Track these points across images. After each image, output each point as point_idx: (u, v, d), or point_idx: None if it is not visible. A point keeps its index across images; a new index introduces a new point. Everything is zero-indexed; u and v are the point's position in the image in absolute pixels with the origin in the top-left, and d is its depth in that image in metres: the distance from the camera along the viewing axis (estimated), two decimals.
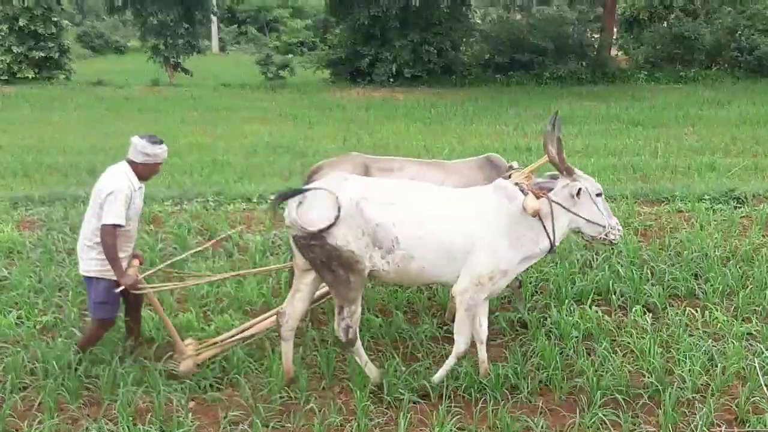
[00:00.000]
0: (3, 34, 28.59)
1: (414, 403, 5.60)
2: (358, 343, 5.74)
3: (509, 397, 5.65)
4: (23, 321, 6.82)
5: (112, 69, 34.87)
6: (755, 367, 4.89)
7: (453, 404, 5.53)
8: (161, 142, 5.87)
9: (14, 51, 28.59)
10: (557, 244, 5.71)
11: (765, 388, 4.25)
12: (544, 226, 5.61)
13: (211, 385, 5.82)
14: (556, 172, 5.89)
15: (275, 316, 6.09)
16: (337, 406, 5.50)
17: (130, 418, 5.24)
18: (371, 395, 5.63)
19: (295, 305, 5.83)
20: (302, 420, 5.35)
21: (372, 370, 5.80)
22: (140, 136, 5.85)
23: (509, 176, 6.25)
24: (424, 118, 20.93)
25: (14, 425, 5.25)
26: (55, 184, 12.28)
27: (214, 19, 42.30)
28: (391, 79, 27.87)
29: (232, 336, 6.28)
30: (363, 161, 6.84)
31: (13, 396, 5.56)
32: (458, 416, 5.35)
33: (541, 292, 7.57)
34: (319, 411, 5.44)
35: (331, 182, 5.58)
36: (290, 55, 35.68)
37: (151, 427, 5.16)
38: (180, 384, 5.73)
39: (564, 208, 5.67)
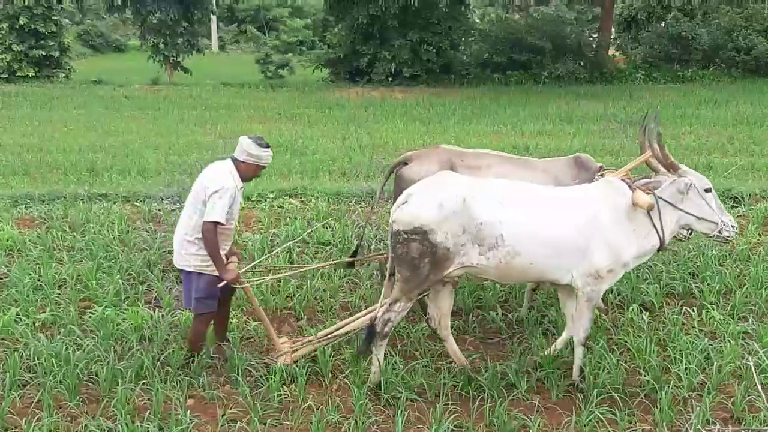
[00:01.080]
0: (3, 32, 28.53)
1: (411, 400, 5.63)
2: (387, 337, 5.79)
3: (506, 395, 5.68)
4: (22, 318, 6.84)
5: (111, 68, 34.82)
6: (751, 366, 4.92)
7: (450, 402, 5.56)
8: (268, 146, 5.93)
9: (14, 49, 28.54)
10: (667, 241, 5.72)
11: (760, 387, 4.27)
12: (653, 223, 5.62)
13: (209, 383, 5.85)
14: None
15: (366, 316, 6.18)
16: (335, 403, 5.53)
17: (129, 416, 5.26)
18: (369, 393, 5.66)
19: (439, 305, 5.94)
20: (300, 418, 5.37)
21: (377, 372, 5.81)
22: (249, 137, 5.94)
23: (601, 176, 6.28)
24: (423, 117, 20.93)
25: (13, 422, 5.27)
26: (55, 182, 12.29)
27: (213, 18, 42.23)
28: (390, 79, 27.86)
29: (328, 334, 6.29)
30: (449, 156, 6.83)
31: (12, 393, 5.58)
32: (455, 414, 5.39)
33: (538, 291, 7.60)
34: (317, 409, 5.47)
35: (437, 180, 5.66)
36: (289, 54, 35.65)
37: (149, 425, 5.18)
38: (178, 381, 5.76)
39: (671, 204, 5.68)
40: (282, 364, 5.96)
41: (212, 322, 6.24)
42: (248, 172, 5.95)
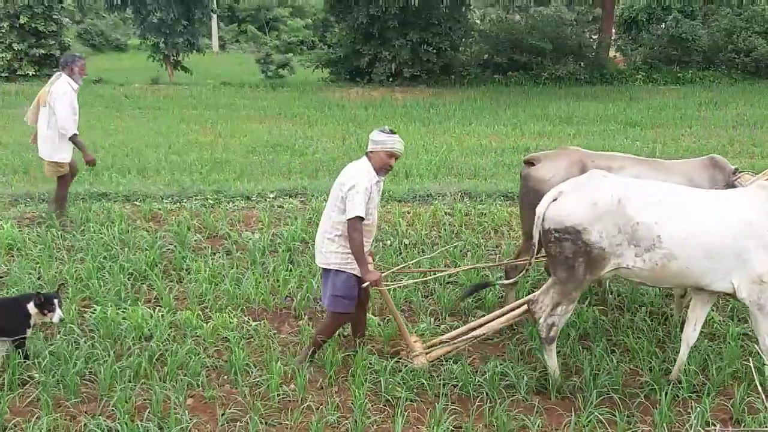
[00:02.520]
0: (4, 31, 28.55)
1: (411, 401, 5.63)
2: (555, 339, 5.79)
3: (506, 395, 5.68)
4: None
5: (112, 67, 34.84)
6: (750, 367, 4.92)
7: (450, 403, 5.56)
8: (391, 132, 5.97)
9: (15, 48, 28.56)
10: None
11: (760, 388, 4.28)
12: None
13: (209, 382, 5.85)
14: None
15: (503, 317, 6.17)
16: (335, 403, 5.53)
17: (128, 415, 5.26)
18: (369, 393, 5.66)
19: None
20: (300, 417, 5.37)
21: (556, 375, 5.82)
22: (378, 129, 6.01)
23: (737, 178, 6.24)
24: (423, 117, 20.95)
25: (13, 421, 5.26)
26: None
27: (213, 17, 42.27)
28: (390, 79, 27.86)
29: (462, 334, 6.26)
30: (580, 157, 6.82)
31: (12, 392, 5.58)
32: (455, 415, 5.38)
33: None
34: (317, 408, 5.47)
35: (590, 179, 5.63)
36: (290, 54, 35.71)
37: (149, 424, 5.18)
38: (177, 381, 5.76)
39: None
40: (418, 365, 5.95)
41: (350, 324, 6.34)
42: (379, 161, 5.95)
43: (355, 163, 6.04)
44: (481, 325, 6.27)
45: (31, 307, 5.90)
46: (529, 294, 6.58)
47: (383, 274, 6.11)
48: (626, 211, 5.37)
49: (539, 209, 5.62)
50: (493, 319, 6.30)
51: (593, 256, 5.42)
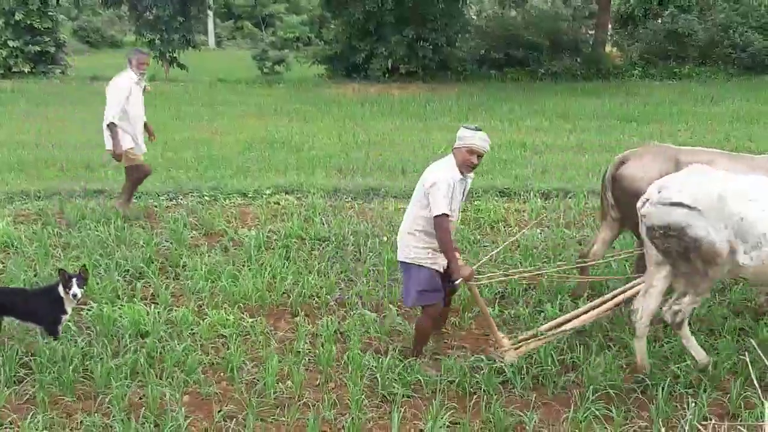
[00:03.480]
0: None
1: (408, 397, 5.63)
2: (685, 324, 5.79)
3: (502, 391, 5.69)
4: None
5: (107, 64, 34.69)
6: (747, 362, 4.93)
7: (446, 399, 5.56)
8: (477, 129, 5.88)
9: (10, 45, 28.53)
10: None
11: (756, 383, 4.28)
12: None
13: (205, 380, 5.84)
14: None
15: (594, 311, 6.18)
16: (331, 400, 5.52)
17: (124, 413, 5.26)
18: (365, 390, 5.66)
19: (648, 301, 5.83)
20: (296, 414, 5.36)
21: (699, 353, 5.83)
22: (464, 125, 5.97)
23: None
24: (419, 113, 20.93)
25: (9, 418, 5.26)
26: (51, 178, 12.27)
27: (210, 14, 42.26)
28: (387, 75, 27.85)
29: (552, 328, 6.27)
30: (671, 153, 6.79)
31: (7, 389, 5.57)
32: (452, 411, 5.38)
33: (535, 288, 7.60)
34: (313, 405, 5.46)
35: (692, 174, 5.60)
36: (286, 51, 35.68)
37: (144, 422, 5.17)
38: (173, 378, 5.76)
39: None
40: (509, 361, 5.95)
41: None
42: (461, 158, 5.88)
43: (441, 160, 6.04)
44: (571, 319, 6.30)
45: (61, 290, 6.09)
46: (622, 286, 6.56)
47: (474, 268, 6.11)
48: (729, 207, 5.29)
49: (640, 207, 5.62)
50: (583, 313, 6.33)
51: (704, 251, 5.35)
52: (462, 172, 5.89)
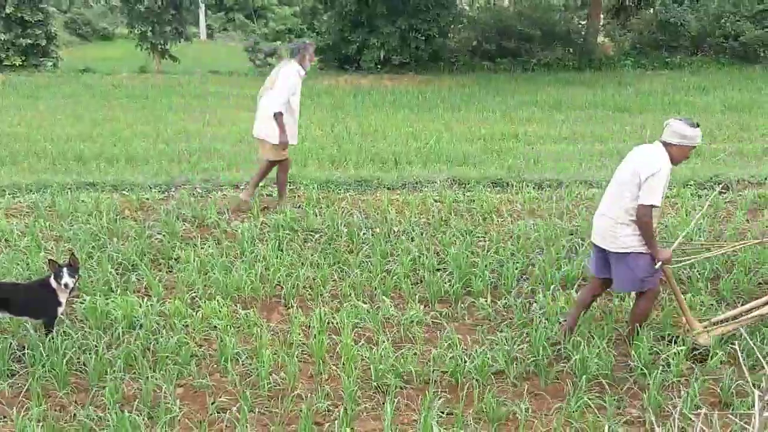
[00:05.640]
0: None
1: (401, 388, 5.64)
2: None
3: (495, 381, 5.70)
4: None
5: (99, 56, 34.70)
6: (737, 351, 4.96)
7: (440, 389, 5.57)
8: (697, 126, 5.86)
9: (1, 38, 28.43)
10: None
11: (746, 371, 4.30)
12: None
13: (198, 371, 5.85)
14: None
15: None
16: (325, 391, 5.54)
17: (118, 405, 5.25)
18: (359, 381, 5.67)
19: None
20: (290, 405, 5.37)
21: None
22: (678, 119, 5.91)
23: None
24: (412, 104, 20.94)
25: (2, 411, 5.25)
26: (43, 171, 12.24)
27: (201, 5, 42.09)
28: (379, 66, 27.85)
29: (748, 311, 6.29)
30: None
31: (1, 382, 5.57)
32: (445, 401, 5.40)
33: (527, 278, 7.62)
34: (307, 397, 5.47)
35: None
36: (278, 42, 35.62)
37: (138, 414, 5.17)
38: (167, 370, 5.76)
39: None
40: (703, 343, 6.03)
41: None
42: (680, 155, 5.89)
43: (652, 149, 5.94)
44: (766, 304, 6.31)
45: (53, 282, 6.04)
46: None
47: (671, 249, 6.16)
48: None
49: None
50: None
51: None
52: (672, 164, 5.90)
